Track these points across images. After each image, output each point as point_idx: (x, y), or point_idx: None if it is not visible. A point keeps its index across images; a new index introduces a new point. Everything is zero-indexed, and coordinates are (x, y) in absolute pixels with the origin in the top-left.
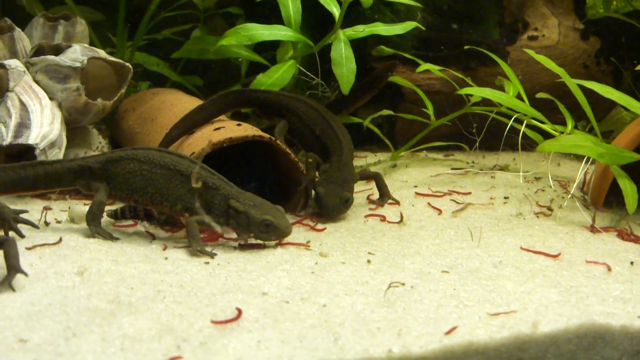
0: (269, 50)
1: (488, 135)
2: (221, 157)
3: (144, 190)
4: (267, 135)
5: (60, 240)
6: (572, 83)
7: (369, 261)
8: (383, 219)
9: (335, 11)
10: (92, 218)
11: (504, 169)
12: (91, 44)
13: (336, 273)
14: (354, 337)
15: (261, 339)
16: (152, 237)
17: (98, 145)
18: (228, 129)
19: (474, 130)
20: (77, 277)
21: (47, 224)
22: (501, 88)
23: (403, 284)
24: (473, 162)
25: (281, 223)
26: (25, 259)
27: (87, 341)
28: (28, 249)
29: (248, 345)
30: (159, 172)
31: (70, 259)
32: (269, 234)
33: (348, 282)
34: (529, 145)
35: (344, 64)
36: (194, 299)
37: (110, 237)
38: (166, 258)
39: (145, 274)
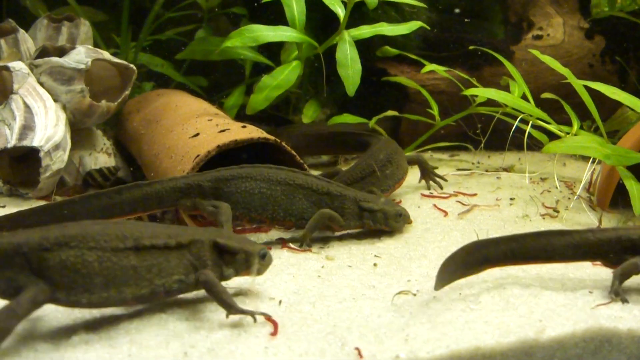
0: (272, 51)
1: (493, 135)
2: (227, 158)
3: (264, 208)
4: (272, 138)
5: None
6: (578, 84)
7: (375, 264)
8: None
9: (340, 12)
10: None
11: (509, 169)
12: (95, 45)
13: (343, 277)
14: (361, 343)
15: (268, 345)
16: None
17: (102, 146)
18: (233, 131)
19: (478, 131)
20: None
21: None
22: (506, 88)
23: (410, 290)
24: (478, 163)
25: (406, 211)
26: None
27: (94, 347)
28: None
29: (255, 351)
30: (279, 188)
31: None
32: (400, 223)
33: (355, 286)
34: (534, 145)
35: (350, 65)
36: (200, 304)
37: None
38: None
39: None
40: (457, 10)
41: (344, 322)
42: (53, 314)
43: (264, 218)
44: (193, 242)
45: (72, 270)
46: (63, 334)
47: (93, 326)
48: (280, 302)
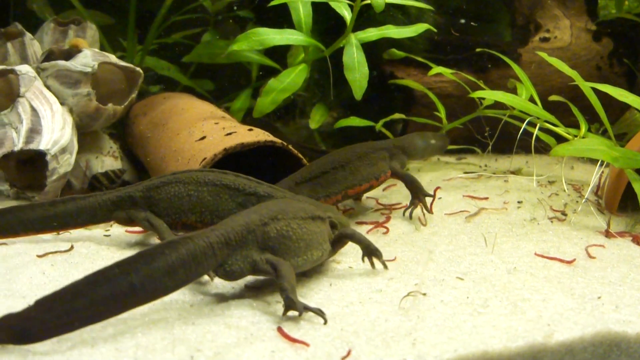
0: (278, 54)
1: (500, 138)
2: (235, 159)
3: (192, 211)
4: (279, 140)
5: (72, 247)
6: (586, 87)
7: (385, 267)
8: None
9: (347, 15)
10: None
11: (516, 172)
12: (101, 48)
13: (350, 280)
14: (368, 347)
15: (275, 348)
16: None
17: (109, 149)
18: (240, 134)
19: (486, 134)
20: None
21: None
22: (513, 90)
23: (418, 293)
24: (486, 166)
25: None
26: (37, 267)
27: (100, 351)
28: (39, 256)
29: (262, 355)
30: (206, 189)
31: (82, 266)
32: None
33: (362, 290)
34: (542, 148)
35: (357, 69)
36: (206, 308)
37: None
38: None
39: None
40: (463, 13)
41: (351, 326)
42: None
43: (194, 222)
44: (326, 217)
45: (286, 237)
46: (69, 336)
47: (98, 329)
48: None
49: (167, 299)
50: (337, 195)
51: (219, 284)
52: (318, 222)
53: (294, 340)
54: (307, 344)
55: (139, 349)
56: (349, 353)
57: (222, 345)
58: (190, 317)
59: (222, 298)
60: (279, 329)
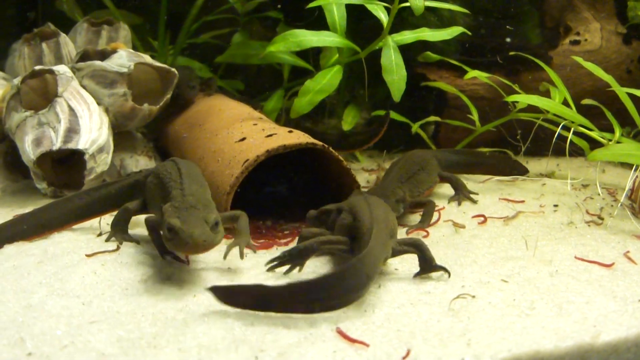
0: (307, 56)
1: (530, 141)
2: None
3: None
4: (319, 143)
5: (119, 247)
6: (622, 91)
7: None
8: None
9: (383, 17)
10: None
11: (550, 175)
12: (133, 48)
13: (397, 283)
14: (426, 347)
15: (336, 348)
16: None
17: (143, 149)
18: (280, 136)
19: (518, 137)
20: (140, 284)
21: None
22: (546, 93)
23: (467, 295)
24: None
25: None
26: (87, 266)
27: (164, 352)
28: (88, 255)
29: (324, 355)
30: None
31: (132, 267)
32: None
33: (411, 292)
34: (573, 151)
35: (395, 71)
36: None
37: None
38: (229, 268)
39: (210, 281)
40: (492, 15)
41: (406, 327)
42: (116, 316)
43: None
44: None
45: (394, 228)
46: (130, 336)
47: (159, 331)
48: None
49: None
50: (422, 194)
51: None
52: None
53: (353, 341)
54: (366, 344)
55: (201, 349)
56: (408, 353)
57: (285, 346)
58: (248, 318)
59: None
60: (338, 330)
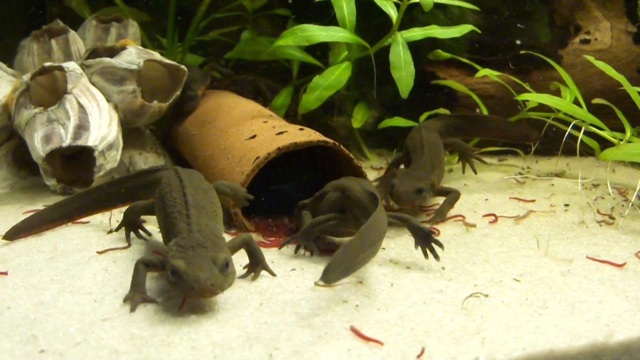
0: (316, 52)
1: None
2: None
3: None
4: (331, 141)
5: (129, 245)
6: (633, 90)
7: (443, 268)
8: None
9: (393, 13)
10: None
11: (560, 175)
12: (142, 45)
13: (410, 281)
14: (440, 345)
15: (351, 347)
16: None
17: (152, 146)
18: (291, 134)
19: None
20: (152, 282)
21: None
22: (556, 92)
23: (480, 294)
24: (528, 168)
25: None
26: (99, 263)
27: (178, 349)
28: (99, 252)
29: (339, 353)
30: None
31: None
32: None
33: (423, 290)
34: (583, 151)
35: (403, 67)
36: (277, 307)
37: None
38: (241, 265)
39: None
40: (502, 13)
41: (420, 325)
42: (128, 314)
43: None
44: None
45: None
46: (143, 333)
47: (172, 329)
48: (356, 305)
49: (235, 298)
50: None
51: (284, 284)
52: None
53: (368, 339)
54: (381, 343)
55: (215, 347)
56: (423, 351)
57: (299, 344)
58: (262, 316)
59: (290, 297)
60: (352, 328)
